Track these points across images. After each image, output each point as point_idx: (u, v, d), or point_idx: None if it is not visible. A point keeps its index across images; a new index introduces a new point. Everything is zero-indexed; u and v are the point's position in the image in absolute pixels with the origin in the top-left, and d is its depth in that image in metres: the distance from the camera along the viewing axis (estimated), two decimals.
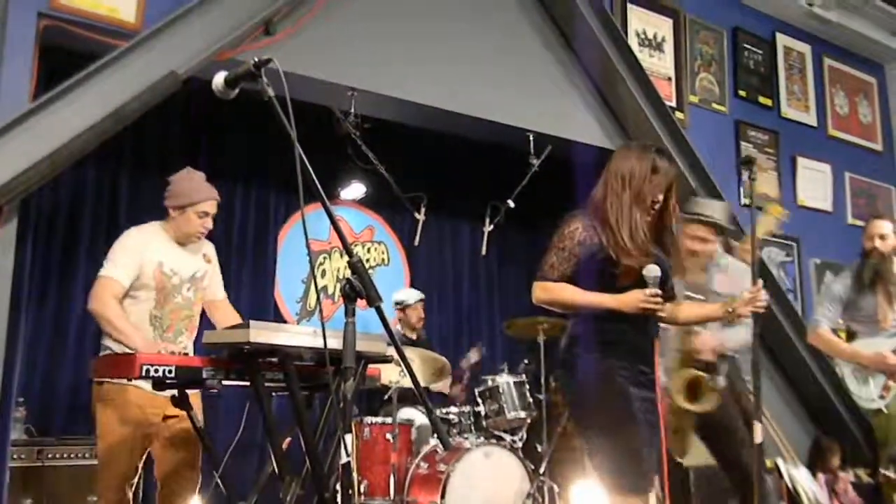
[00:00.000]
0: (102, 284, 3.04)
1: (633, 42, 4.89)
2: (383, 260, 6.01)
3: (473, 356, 5.24)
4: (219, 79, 1.82)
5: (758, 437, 2.73)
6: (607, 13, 4.51)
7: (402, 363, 1.75)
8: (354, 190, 5.65)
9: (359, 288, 1.70)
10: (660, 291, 2.49)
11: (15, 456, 3.71)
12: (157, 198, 4.83)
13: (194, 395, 3.05)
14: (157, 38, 3.24)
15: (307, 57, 3.66)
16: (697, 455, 3.39)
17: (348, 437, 1.65)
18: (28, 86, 3.16)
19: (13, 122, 2.98)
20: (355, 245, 5.79)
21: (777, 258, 5.44)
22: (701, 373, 3.12)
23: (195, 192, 3.19)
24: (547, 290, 2.61)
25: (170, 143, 4.92)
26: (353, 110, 4.00)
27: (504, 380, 4.33)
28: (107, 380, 2.94)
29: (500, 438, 4.19)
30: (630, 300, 2.50)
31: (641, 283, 2.50)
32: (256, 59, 1.74)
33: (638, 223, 2.56)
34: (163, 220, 3.26)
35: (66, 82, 3.07)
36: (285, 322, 5.30)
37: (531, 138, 4.46)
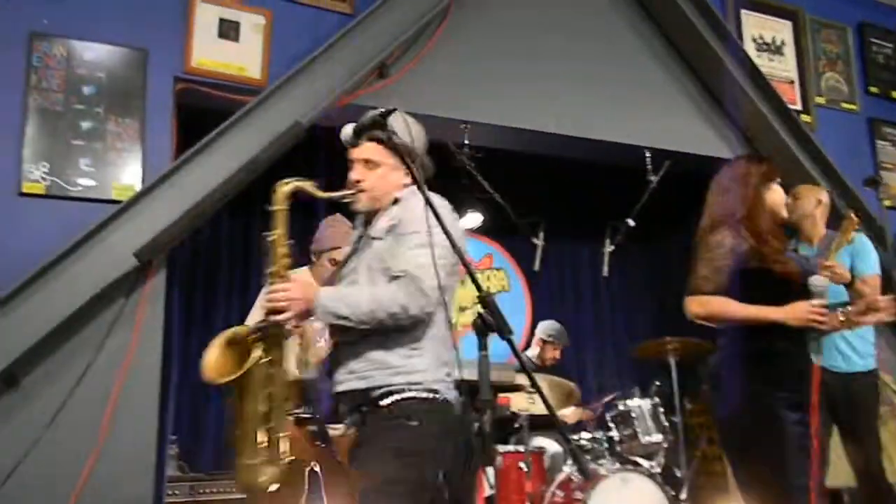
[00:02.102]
0: None
1: (749, 48, 4.72)
2: (503, 286, 6.03)
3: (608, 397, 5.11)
4: (347, 129, 1.91)
5: None
6: (719, 20, 4.39)
7: (536, 392, 1.74)
8: (471, 219, 5.72)
9: (490, 322, 1.73)
10: (826, 303, 2.38)
11: (170, 492, 3.94)
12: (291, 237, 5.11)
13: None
14: (280, 92, 3.42)
15: (420, 96, 3.75)
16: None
17: (490, 470, 1.66)
18: (169, 145, 3.40)
19: (158, 181, 3.20)
20: (482, 272, 5.84)
21: None
22: None
23: (328, 238, 3.30)
24: (704, 304, 2.49)
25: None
26: (466, 142, 4.08)
27: (636, 403, 4.22)
28: None
29: (636, 464, 4.08)
30: (798, 312, 2.38)
31: (794, 292, 2.40)
32: (382, 110, 1.81)
33: (775, 228, 2.50)
34: (309, 266, 3.40)
35: (203, 140, 3.28)
36: None
37: (647, 155, 4.38)
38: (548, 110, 4.12)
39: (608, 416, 4.31)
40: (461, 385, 2.10)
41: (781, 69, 4.91)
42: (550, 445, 4.32)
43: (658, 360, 4.59)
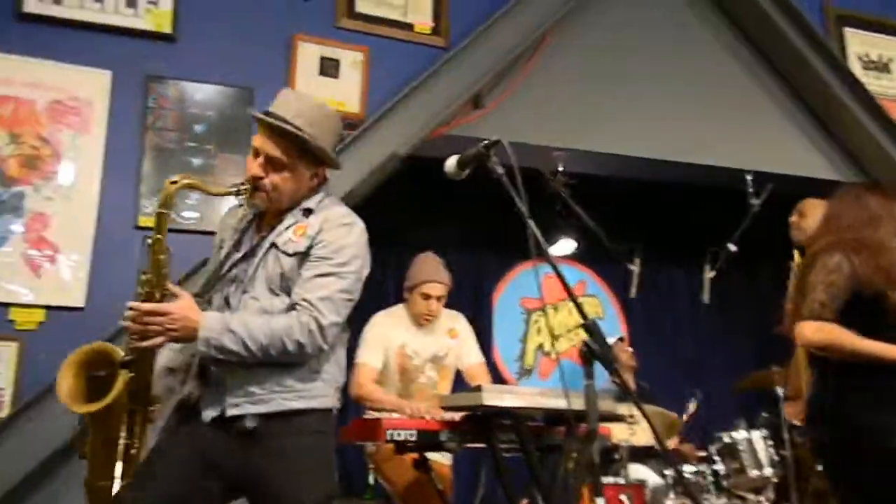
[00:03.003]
0: (359, 370, 3.30)
1: (855, 66, 4.55)
2: (597, 313, 5.96)
3: (691, 407, 4.97)
4: (451, 162, 1.95)
5: None
6: (822, 40, 4.25)
7: (646, 421, 1.70)
8: (564, 246, 5.69)
9: (597, 350, 1.71)
10: None
11: None
12: (378, 272, 5.20)
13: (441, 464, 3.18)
14: (379, 125, 3.51)
15: (514, 124, 3.79)
16: None
17: (601, 501, 1.63)
18: None
19: None
20: (567, 301, 5.78)
21: None
22: None
23: (419, 273, 3.38)
24: (824, 332, 2.33)
25: (387, 218, 5.24)
26: (560, 168, 4.07)
27: (742, 436, 4.05)
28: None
29: (743, 499, 3.93)
30: None
31: None
32: (486, 141, 1.84)
33: (884, 251, 2.38)
34: (405, 303, 3.47)
35: None
36: (505, 382, 5.38)
37: (749, 178, 4.26)
38: (644, 135, 4.07)
39: (713, 449, 4.16)
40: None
41: (889, 87, 4.69)
42: (650, 477, 4.20)
43: (764, 391, 4.42)
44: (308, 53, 3.62)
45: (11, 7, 3.26)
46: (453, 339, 3.48)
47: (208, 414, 1.96)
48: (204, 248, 3.20)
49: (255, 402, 1.95)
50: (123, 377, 1.91)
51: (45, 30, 3.29)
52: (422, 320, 3.41)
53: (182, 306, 1.91)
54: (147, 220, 3.30)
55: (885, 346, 2.29)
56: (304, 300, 1.98)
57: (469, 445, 2.76)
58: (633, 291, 4.75)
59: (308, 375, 2.02)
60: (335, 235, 2.06)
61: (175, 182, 1.99)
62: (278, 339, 1.93)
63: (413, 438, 2.63)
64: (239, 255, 2.08)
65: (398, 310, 3.50)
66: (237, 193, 2.04)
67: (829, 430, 2.40)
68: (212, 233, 3.30)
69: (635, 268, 4.53)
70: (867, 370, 2.32)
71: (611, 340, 5.41)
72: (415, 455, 2.87)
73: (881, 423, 2.27)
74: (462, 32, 3.79)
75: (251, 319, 1.96)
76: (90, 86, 3.31)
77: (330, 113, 2.17)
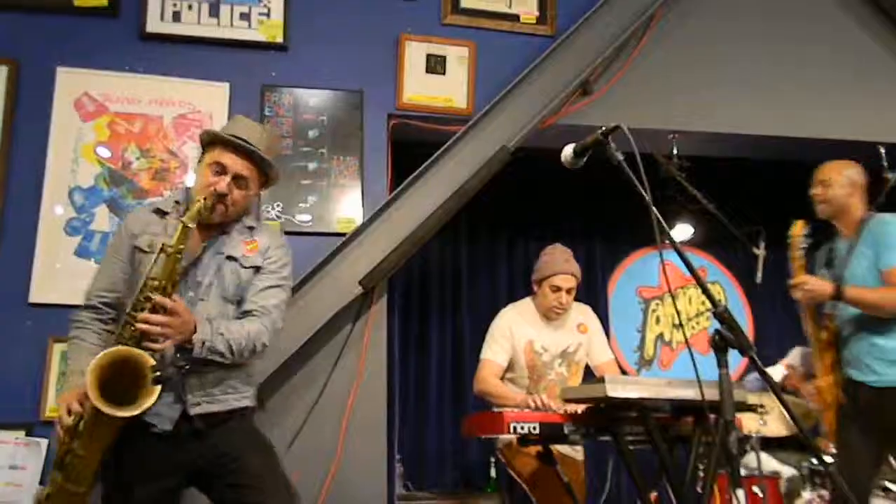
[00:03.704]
0: (483, 366, 3.30)
1: None
2: (721, 300, 5.72)
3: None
4: (568, 151, 1.92)
5: None
6: None
7: (785, 412, 1.62)
8: (681, 232, 5.50)
9: (730, 338, 1.64)
10: None
11: None
12: (491, 263, 5.20)
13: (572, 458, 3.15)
14: (487, 119, 3.51)
15: (625, 110, 3.69)
16: None
17: (740, 493, 1.56)
18: (385, 178, 3.59)
19: (376, 213, 3.40)
20: (688, 288, 5.60)
21: None
22: None
23: (547, 265, 3.32)
24: None
25: (498, 211, 5.24)
26: (675, 152, 3.94)
27: None
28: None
29: (887, 490, 3.68)
30: None
31: None
32: (604, 127, 1.80)
33: None
34: (533, 296, 3.43)
35: (416, 172, 3.44)
36: (625, 373, 5.26)
37: (882, 150, 3.98)
38: (765, 112, 3.89)
39: None
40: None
41: None
42: (784, 469, 4.02)
43: None
44: (415, 52, 3.66)
45: (137, 28, 3.45)
46: (583, 333, 3.40)
47: (170, 416, 2.17)
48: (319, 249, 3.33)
49: (212, 401, 2.23)
50: (154, 389, 2.02)
51: (167, 47, 3.47)
52: (552, 314, 3.33)
53: (185, 309, 2.09)
54: (270, 224, 3.43)
55: None
56: (262, 307, 2.27)
57: (594, 438, 2.72)
58: (759, 276, 4.52)
59: (246, 378, 2.36)
60: (280, 254, 2.37)
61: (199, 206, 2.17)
62: (251, 342, 2.21)
63: (536, 431, 2.61)
64: (184, 262, 2.17)
65: (526, 304, 3.44)
66: (205, 208, 2.18)
67: None
68: (332, 234, 3.44)
69: (760, 252, 4.30)
70: None
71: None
72: (539, 448, 2.85)
73: None
74: (568, 20, 3.74)
75: (229, 323, 2.21)
76: (210, 98, 3.47)
77: (274, 136, 2.46)
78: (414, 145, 3.71)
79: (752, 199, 4.76)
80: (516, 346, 3.29)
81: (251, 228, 2.36)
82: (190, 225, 2.11)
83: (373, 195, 3.54)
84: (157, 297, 2.03)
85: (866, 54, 4.07)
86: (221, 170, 2.24)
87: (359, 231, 3.38)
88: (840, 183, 3.15)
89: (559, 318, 3.35)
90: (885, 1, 4.08)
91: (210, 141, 2.31)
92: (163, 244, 2.09)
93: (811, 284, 3.03)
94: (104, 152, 3.34)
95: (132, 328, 2.05)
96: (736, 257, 5.62)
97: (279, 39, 3.58)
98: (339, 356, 3.35)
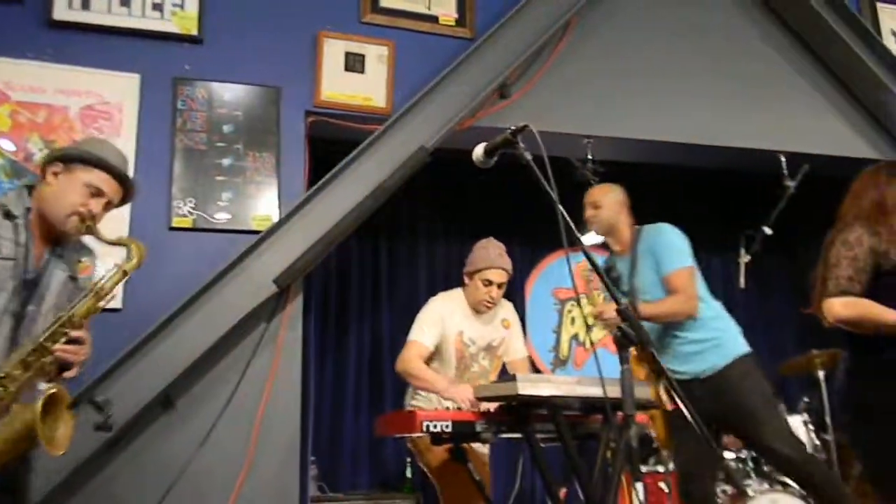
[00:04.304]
0: (410, 346, 3.28)
1: (889, 42, 4.44)
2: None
3: None
4: (478, 150, 1.93)
5: None
6: (854, 15, 4.16)
7: (684, 410, 1.68)
8: (595, 235, 5.62)
9: (632, 335, 1.69)
10: None
11: None
12: (411, 262, 5.21)
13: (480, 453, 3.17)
14: (406, 119, 3.51)
15: (541, 113, 3.76)
16: None
17: (639, 486, 1.61)
18: (302, 177, 3.55)
19: (293, 211, 3.35)
20: (600, 291, 5.73)
21: None
22: None
23: (481, 259, 3.35)
24: (853, 307, 2.31)
25: (418, 210, 5.26)
26: (589, 156, 4.03)
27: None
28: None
29: (785, 484, 3.86)
30: None
31: None
32: (513, 127, 1.82)
33: None
34: (463, 287, 3.45)
35: (333, 170, 3.41)
36: (540, 372, 5.35)
37: (783, 159, 4.18)
38: (674, 120, 4.03)
39: None
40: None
41: None
42: None
43: (806, 376, 4.35)
44: (333, 49, 3.64)
45: (42, 15, 3.31)
46: (507, 329, 3.46)
47: None
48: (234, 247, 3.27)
49: None
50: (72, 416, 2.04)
51: (75, 36, 3.35)
52: (481, 307, 3.35)
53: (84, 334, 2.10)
54: (181, 221, 3.35)
55: None
56: None
57: (505, 436, 2.76)
58: None
59: None
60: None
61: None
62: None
63: (448, 430, 2.63)
64: (31, 273, 2.14)
65: (457, 294, 3.45)
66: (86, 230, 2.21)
67: (860, 421, 2.36)
68: (248, 231, 3.38)
69: None
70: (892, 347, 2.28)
71: None
72: (451, 445, 2.87)
73: None
74: (487, 23, 3.78)
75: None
76: (119, 89, 3.36)
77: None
78: (333, 143, 3.68)
79: (663, 204, 4.91)
80: (447, 334, 3.29)
81: (82, 247, 2.34)
82: (129, 272, 2.19)
83: (290, 193, 3.49)
84: (75, 334, 2.04)
85: (770, 67, 4.26)
86: (98, 193, 2.22)
87: (274, 229, 3.33)
88: (608, 204, 3.33)
89: (488, 312, 3.39)
90: (788, 16, 4.28)
91: (81, 158, 2.23)
92: (97, 287, 2.12)
93: (607, 313, 3.08)
94: (5, 143, 3.19)
95: (46, 355, 2.02)
96: None
97: (193, 32, 3.50)
98: (252, 356, 3.30)
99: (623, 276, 3.32)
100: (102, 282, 2.14)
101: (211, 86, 3.50)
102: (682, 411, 2.16)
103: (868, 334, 2.33)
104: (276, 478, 3.23)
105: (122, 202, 2.35)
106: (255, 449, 3.20)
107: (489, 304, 3.34)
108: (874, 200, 2.46)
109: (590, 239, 5.60)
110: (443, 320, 3.30)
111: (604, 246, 3.56)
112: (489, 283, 3.31)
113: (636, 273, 3.22)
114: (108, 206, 2.25)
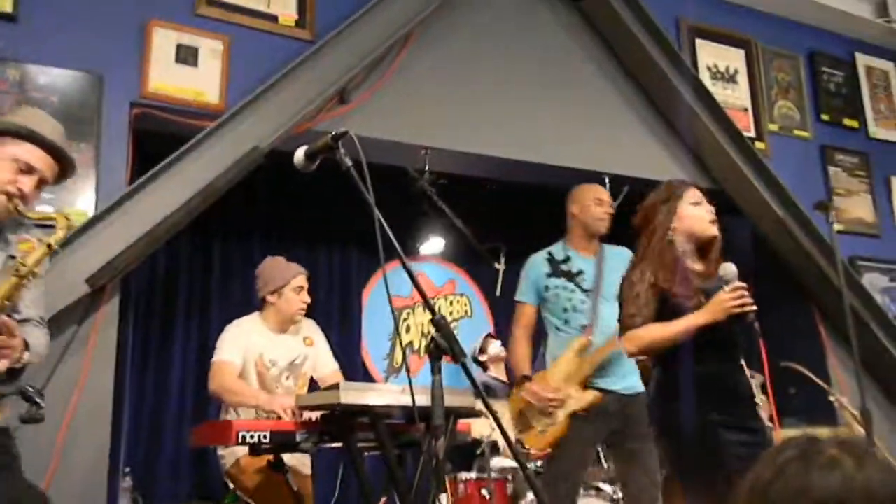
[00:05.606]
0: (219, 367, 3.20)
1: (704, 76, 4.83)
2: (466, 312, 6.03)
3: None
4: (299, 154, 1.90)
5: None
6: (674, 50, 4.48)
7: (491, 417, 1.73)
8: (434, 245, 5.72)
9: (443, 345, 1.72)
10: (743, 284, 2.36)
11: None
12: (245, 266, 5.06)
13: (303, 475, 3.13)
14: (239, 117, 3.40)
15: (381, 121, 3.77)
16: None
17: (443, 497, 1.64)
18: (124, 171, 3.35)
19: (112, 206, 3.15)
20: (438, 299, 5.84)
21: (880, 284, 5.17)
22: None
23: (284, 271, 3.37)
24: (635, 339, 2.45)
25: (253, 212, 5.11)
26: (427, 167, 4.09)
27: None
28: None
29: (598, 490, 4.08)
30: (715, 307, 2.36)
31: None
32: (334, 132, 1.81)
33: (666, 252, 2.51)
34: (259, 312, 3.40)
35: (158, 165, 3.24)
36: (374, 381, 5.35)
37: (607, 180, 4.42)
38: (508, 136, 4.15)
39: None
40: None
41: (735, 97, 5.02)
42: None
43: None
44: (164, 40, 3.46)
45: None
46: (310, 346, 3.47)
47: None
48: None
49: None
50: None
51: None
52: (298, 314, 3.41)
53: (17, 326, 1.95)
54: None
55: (682, 320, 2.40)
56: (41, 318, 2.20)
57: (326, 445, 2.73)
58: (499, 290, 4.82)
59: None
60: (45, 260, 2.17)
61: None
62: (44, 351, 2.15)
63: (266, 439, 2.57)
64: None
65: (251, 319, 3.44)
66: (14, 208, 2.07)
67: (665, 435, 2.49)
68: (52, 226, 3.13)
69: (500, 267, 4.60)
70: (681, 361, 2.42)
71: (481, 336, 5.51)
72: (269, 457, 2.80)
73: (702, 417, 2.35)
74: (328, 26, 3.73)
75: (31, 333, 2.07)
76: None
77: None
78: (162, 138, 3.50)
79: (497, 217, 5.07)
80: (247, 357, 3.25)
81: (20, 224, 2.18)
82: (55, 246, 2.05)
83: (109, 187, 3.28)
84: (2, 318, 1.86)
85: (602, 95, 4.50)
86: (28, 169, 2.06)
87: (89, 224, 3.11)
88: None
89: (289, 330, 3.39)
90: (618, 50, 4.54)
91: (9, 131, 2.06)
92: (18, 265, 1.94)
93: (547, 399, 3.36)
94: None
95: None
96: (482, 272, 5.94)
97: (7, 9, 3.22)
98: (58, 360, 3.06)
99: (586, 274, 3.44)
100: (25, 258, 1.99)
101: (24, 67, 3.24)
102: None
103: (670, 349, 2.46)
104: (82, 492, 3.02)
105: (59, 180, 2.19)
106: (58, 461, 2.97)
107: (304, 309, 3.41)
108: (649, 232, 2.61)
109: (429, 248, 5.71)
110: (245, 342, 3.27)
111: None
112: (301, 288, 3.37)
113: (603, 276, 3.38)
114: (42, 183, 2.09)
